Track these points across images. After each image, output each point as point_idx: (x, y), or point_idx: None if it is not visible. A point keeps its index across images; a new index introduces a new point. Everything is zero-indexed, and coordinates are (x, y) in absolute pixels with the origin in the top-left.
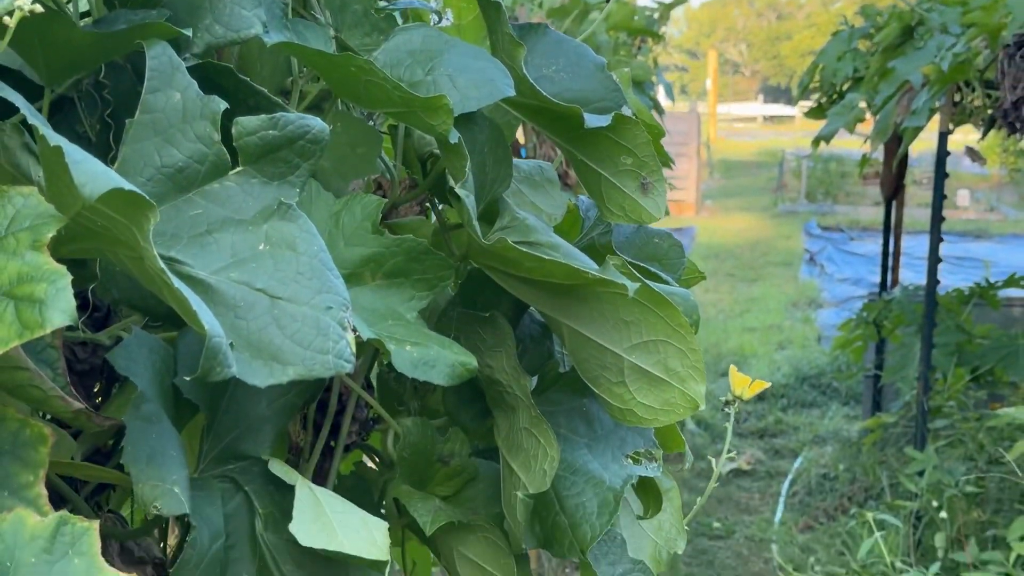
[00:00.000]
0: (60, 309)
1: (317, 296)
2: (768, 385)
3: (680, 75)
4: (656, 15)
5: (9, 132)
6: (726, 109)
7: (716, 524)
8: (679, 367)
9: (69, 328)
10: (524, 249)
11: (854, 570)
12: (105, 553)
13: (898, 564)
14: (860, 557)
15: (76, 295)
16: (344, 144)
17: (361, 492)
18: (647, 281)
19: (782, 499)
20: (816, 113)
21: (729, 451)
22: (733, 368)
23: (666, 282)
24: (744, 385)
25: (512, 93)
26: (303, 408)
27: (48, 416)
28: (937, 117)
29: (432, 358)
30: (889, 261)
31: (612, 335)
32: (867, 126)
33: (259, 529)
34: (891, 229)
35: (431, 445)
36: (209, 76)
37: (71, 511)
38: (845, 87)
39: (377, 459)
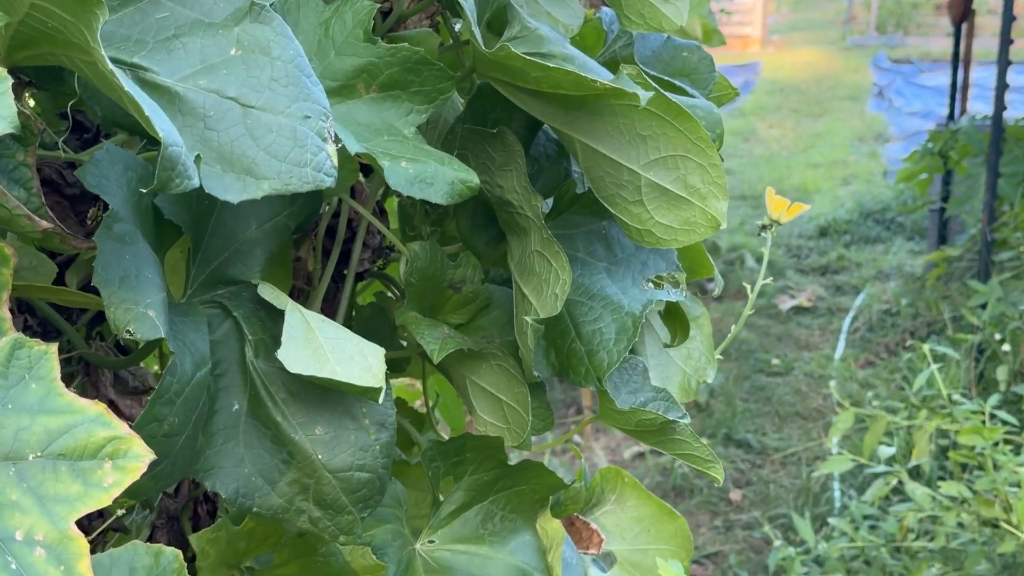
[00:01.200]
0: (1, 116)
1: (294, 104)
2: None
3: None
4: None
5: None
6: None
7: (775, 361)
8: (699, 183)
9: (49, 148)
10: (530, 58)
11: (912, 404)
12: (98, 382)
13: (956, 397)
14: (915, 389)
15: (56, 113)
16: None
17: (378, 322)
18: (665, 92)
19: (843, 335)
20: None
21: (790, 288)
22: (770, 190)
23: (693, 97)
24: (782, 208)
25: None
26: (303, 232)
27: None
28: None
29: (430, 175)
30: (958, 92)
31: (628, 151)
32: None
33: (249, 356)
34: (960, 58)
35: (441, 270)
36: None
37: (63, 340)
38: None
39: (396, 289)
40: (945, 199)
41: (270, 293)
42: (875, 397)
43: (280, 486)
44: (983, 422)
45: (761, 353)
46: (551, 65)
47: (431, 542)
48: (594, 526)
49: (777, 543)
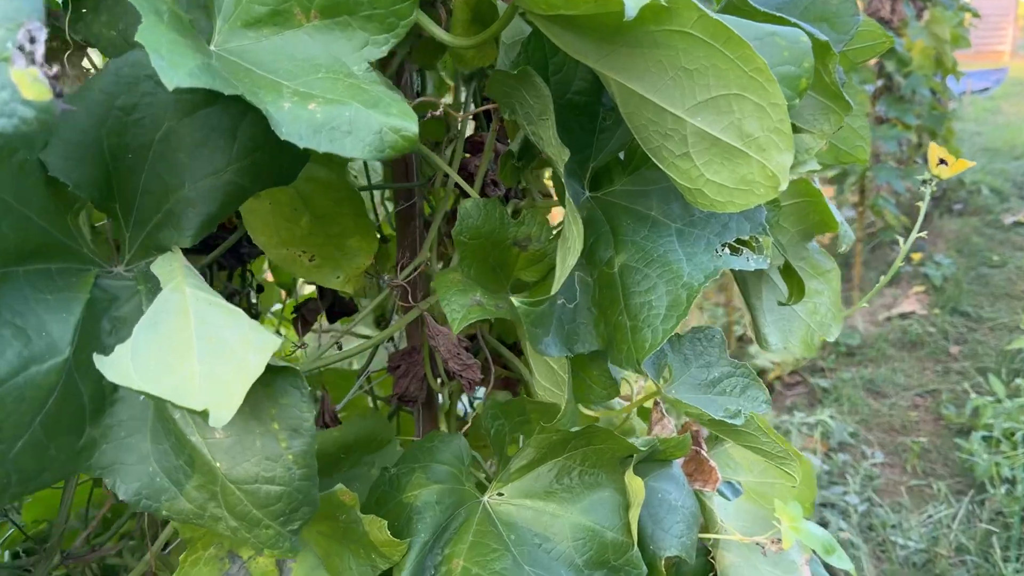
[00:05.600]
0: None
1: None
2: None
3: None
4: None
5: None
6: None
7: (995, 257)
8: (757, 130)
9: None
10: None
11: None
12: None
13: None
14: None
15: None
16: None
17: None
18: (714, 14)
19: None
20: None
21: (1012, 208)
22: (932, 146)
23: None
24: (942, 167)
25: None
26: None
27: None
28: None
29: (346, 121)
30: None
31: (672, 91)
32: None
33: None
34: None
35: (500, 228)
36: None
37: None
38: None
39: None
40: None
41: (162, 268)
42: None
43: (188, 490)
44: None
45: (986, 252)
46: None
47: (500, 495)
48: (712, 464)
49: (973, 396)
